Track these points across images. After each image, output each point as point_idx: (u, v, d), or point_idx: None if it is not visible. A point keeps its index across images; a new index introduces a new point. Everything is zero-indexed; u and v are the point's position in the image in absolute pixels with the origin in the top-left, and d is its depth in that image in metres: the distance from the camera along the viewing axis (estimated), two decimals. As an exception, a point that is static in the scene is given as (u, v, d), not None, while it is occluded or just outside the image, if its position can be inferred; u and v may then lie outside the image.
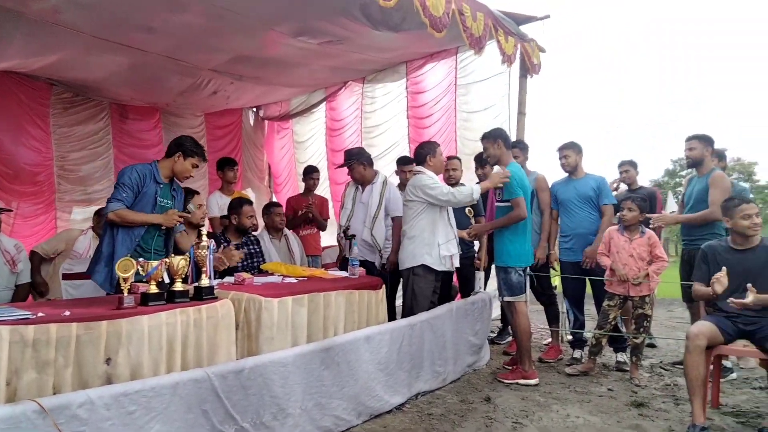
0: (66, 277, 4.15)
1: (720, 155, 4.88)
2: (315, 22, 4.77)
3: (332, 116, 7.54)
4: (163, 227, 3.49)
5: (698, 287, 3.47)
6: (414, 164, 4.51)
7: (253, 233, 4.51)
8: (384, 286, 4.15)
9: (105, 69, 5.61)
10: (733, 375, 4.25)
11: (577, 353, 4.64)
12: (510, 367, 4.35)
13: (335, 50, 5.54)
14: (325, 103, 7.56)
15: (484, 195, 4.55)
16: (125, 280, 2.67)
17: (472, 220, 4.99)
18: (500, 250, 4.23)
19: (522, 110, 5.77)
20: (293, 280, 3.77)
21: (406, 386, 3.56)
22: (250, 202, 4.38)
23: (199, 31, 4.80)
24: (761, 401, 3.68)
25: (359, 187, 4.76)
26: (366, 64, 6.36)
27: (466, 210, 4.88)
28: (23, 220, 5.94)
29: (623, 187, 5.58)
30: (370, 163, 4.81)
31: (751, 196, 5.08)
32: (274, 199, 7.86)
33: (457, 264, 4.39)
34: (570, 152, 4.78)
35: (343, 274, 4.18)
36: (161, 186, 3.49)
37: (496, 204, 4.27)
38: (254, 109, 8.29)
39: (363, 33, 4.96)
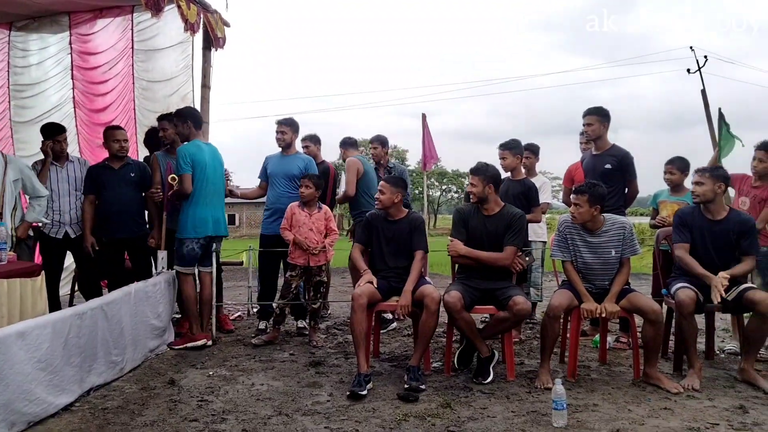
0: None
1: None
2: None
3: (-35, 67, 6.03)
4: None
5: (357, 250, 4.02)
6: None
7: None
8: (42, 272, 3.56)
9: None
10: (393, 325, 5.06)
11: (262, 324, 4.82)
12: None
13: (-37, -20, 4.44)
14: (-47, 48, 5.99)
15: None
16: None
17: None
18: (178, 222, 4.43)
19: (206, 83, 5.63)
20: None
21: (75, 383, 3.15)
22: None
23: None
24: (409, 346, 4.46)
25: None
26: (12, 6, 5.31)
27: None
28: None
29: None
30: None
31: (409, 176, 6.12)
32: None
33: None
34: (286, 129, 4.94)
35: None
36: None
37: None
38: None
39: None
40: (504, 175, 4.50)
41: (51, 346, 2.98)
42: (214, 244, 4.63)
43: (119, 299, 3.70)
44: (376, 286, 3.73)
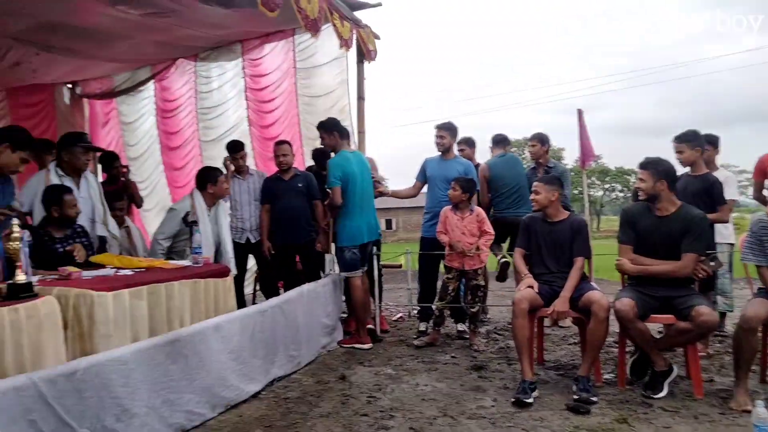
0: None
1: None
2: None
3: (164, 96, 6.98)
4: None
5: (518, 255, 3.87)
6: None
7: (79, 223, 4.01)
8: (231, 273, 3.99)
9: None
10: None
11: (422, 326, 4.91)
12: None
13: (161, 23, 5.11)
14: (153, 81, 6.97)
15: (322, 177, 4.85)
16: None
17: None
18: (336, 232, 4.66)
19: (361, 95, 5.90)
20: (129, 272, 3.43)
21: (261, 373, 3.48)
22: (69, 191, 3.87)
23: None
24: (576, 354, 4.24)
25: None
26: (197, 40, 5.99)
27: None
28: None
29: None
30: None
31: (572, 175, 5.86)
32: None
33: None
34: (445, 133, 5.01)
35: (185, 263, 3.92)
36: None
37: None
38: (69, 86, 7.32)
39: (191, 6, 4.65)
40: (681, 170, 4.10)
41: (240, 339, 3.33)
42: (374, 248, 4.83)
43: (294, 299, 4.02)
44: (537, 290, 3.61)
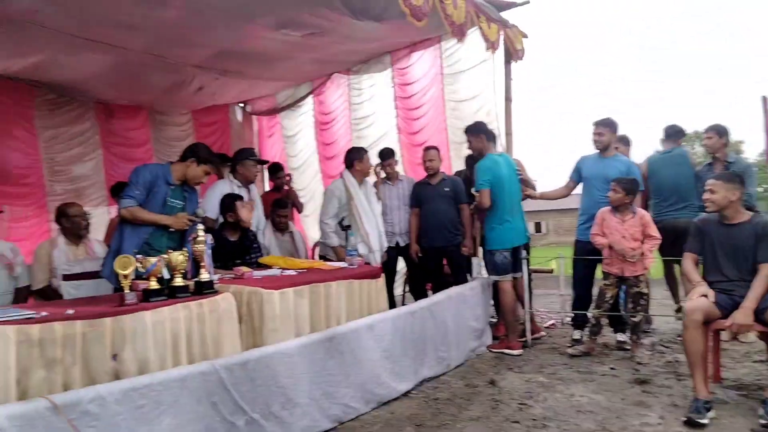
0: (66, 277, 4.08)
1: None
2: (296, 13, 4.71)
3: (320, 109, 7.49)
4: (172, 228, 3.50)
5: (689, 260, 3.51)
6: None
7: (251, 228, 4.48)
8: (383, 275, 4.15)
9: (87, 69, 5.51)
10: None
11: (576, 334, 4.66)
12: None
13: (318, 42, 5.49)
14: (312, 96, 7.51)
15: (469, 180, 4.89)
16: (125, 276, 2.63)
17: None
18: (486, 236, 4.66)
19: (508, 96, 5.79)
20: (292, 273, 3.75)
21: (411, 372, 3.58)
22: (241, 198, 4.35)
23: (180, 26, 4.72)
24: (762, 374, 3.73)
25: None
26: (350, 55, 6.32)
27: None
28: (15, 222, 5.87)
29: None
30: None
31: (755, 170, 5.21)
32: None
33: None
34: (604, 130, 4.70)
35: (341, 264, 4.17)
36: (172, 187, 3.54)
37: None
38: (241, 105, 8.20)
39: (345, 23, 4.92)
40: None
41: (392, 339, 3.46)
42: (523, 252, 4.72)
43: (443, 301, 4.08)
44: (713, 300, 3.24)
